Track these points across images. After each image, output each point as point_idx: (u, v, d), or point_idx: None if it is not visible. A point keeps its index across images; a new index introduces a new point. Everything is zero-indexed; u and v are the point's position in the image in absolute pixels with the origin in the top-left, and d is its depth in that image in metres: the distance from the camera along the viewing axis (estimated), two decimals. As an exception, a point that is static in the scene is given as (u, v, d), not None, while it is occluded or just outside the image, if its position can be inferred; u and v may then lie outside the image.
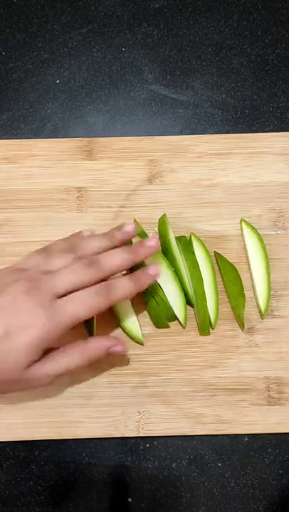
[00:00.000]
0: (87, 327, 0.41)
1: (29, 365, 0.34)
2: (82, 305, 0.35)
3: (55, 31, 0.51)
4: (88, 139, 0.47)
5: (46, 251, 0.38)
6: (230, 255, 0.44)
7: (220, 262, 0.43)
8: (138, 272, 0.38)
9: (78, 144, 0.47)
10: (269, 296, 0.43)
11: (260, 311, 0.43)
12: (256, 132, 0.48)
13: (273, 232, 0.45)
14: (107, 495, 0.42)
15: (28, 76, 0.50)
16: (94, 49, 0.50)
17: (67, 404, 0.42)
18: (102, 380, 0.43)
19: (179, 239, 0.43)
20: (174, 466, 0.42)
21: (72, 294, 0.35)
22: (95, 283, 0.36)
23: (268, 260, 0.43)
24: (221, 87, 0.49)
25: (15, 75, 0.50)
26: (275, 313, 0.44)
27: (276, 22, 0.51)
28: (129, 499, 0.42)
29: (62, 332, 0.34)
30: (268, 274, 0.43)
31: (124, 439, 0.42)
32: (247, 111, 0.49)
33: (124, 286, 0.37)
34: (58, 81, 0.50)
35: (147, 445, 0.42)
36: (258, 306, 0.43)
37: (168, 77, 0.50)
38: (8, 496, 0.42)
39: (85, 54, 0.50)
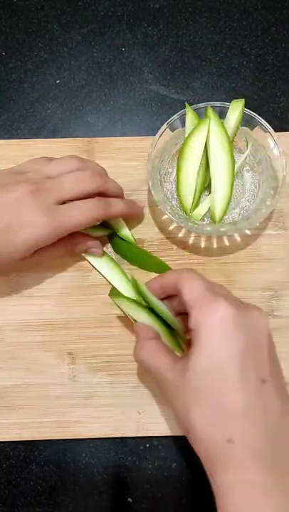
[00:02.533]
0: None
1: (22, 260, 0.36)
2: (85, 213, 0.37)
3: (55, 31, 0.51)
4: (88, 139, 0.47)
5: (45, 158, 0.40)
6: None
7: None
8: (130, 200, 0.43)
9: (78, 144, 0.47)
10: (226, 207, 0.43)
11: (213, 219, 0.43)
12: (256, 132, 0.48)
13: (273, 232, 0.45)
14: (107, 495, 0.42)
15: (28, 76, 0.50)
16: (94, 49, 0.50)
17: (67, 404, 0.42)
18: (102, 380, 0.43)
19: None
20: (173, 466, 0.42)
21: (76, 201, 0.37)
22: (94, 196, 0.39)
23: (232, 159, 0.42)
24: (221, 87, 0.49)
25: (15, 75, 0.50)
26: (275, 314, 0.44)
27: (276, 22, 0.51)
28: (129, 499, 0.42)
29: (60, 236, 0.36)
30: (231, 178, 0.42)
31: (124, 439, 0.42)
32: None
33: (120, 206, 0.40)
34: (58, 81, 0.50)
35: (147, 445, 0.42)
36: (211, 214, 0.43)
37: (168, 77, 0.50)
38: (8, 496, 0.42)
39: (85, 54, 0.50)
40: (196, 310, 0.31)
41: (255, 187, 0.44)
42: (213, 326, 0.30)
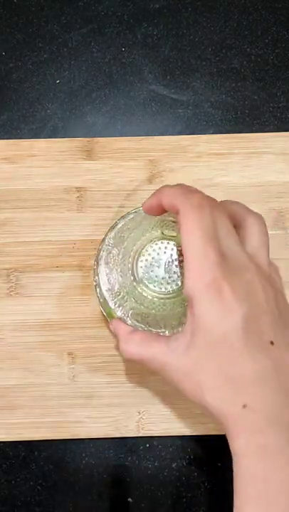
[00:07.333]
0: None
1: None
2: None
3: (55, 31, 0.51)
4: (88, 139, 0.47)
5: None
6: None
7: None
8: None
9: (78, 144, 0.47)
10: None
11: None
12: (256, 132, 0.48)
13: (273, 232, 0.45)
14: (107, 495, 0.42)
15: (28, 76, 0.50)
16: (94, 49, 0.50)
17: (67, 404, 0.42)
18: (102, 380, 0.43)
19: None
20: (174, 466, 0.42)
21: None
22: None
23: None
24: (221, 87, 0.49)
25: (15, 75, 0.50)
26: (275, 313, 0.44)
27: (276, 22, 0.51)
28: (129, 499, 0.42)
29: None
30: None
31: (124, 439, 0.42)
32: (247, 111, 0.49)
33: None
34: (58, 81, 0.50)
35: (147, 445, 0.42)
36: None
37: (168, 77, 0.50)
38: (8, 496, 0.42)
39: (85, 54, 0.50)
40: (190, 279, 0.29)
41: None
42: (209, 299, 0.29)
